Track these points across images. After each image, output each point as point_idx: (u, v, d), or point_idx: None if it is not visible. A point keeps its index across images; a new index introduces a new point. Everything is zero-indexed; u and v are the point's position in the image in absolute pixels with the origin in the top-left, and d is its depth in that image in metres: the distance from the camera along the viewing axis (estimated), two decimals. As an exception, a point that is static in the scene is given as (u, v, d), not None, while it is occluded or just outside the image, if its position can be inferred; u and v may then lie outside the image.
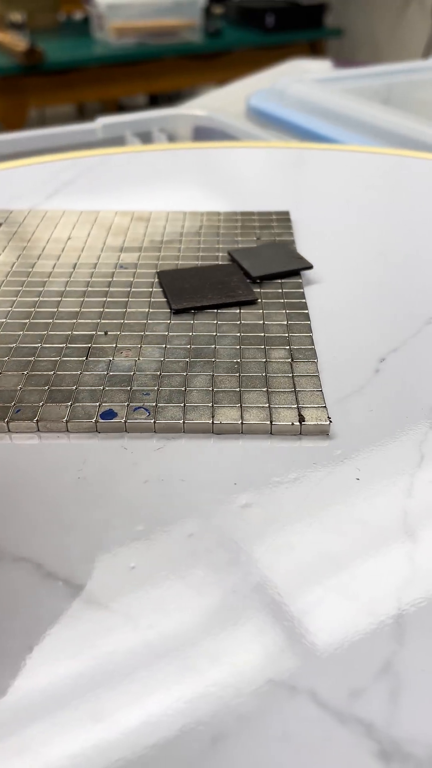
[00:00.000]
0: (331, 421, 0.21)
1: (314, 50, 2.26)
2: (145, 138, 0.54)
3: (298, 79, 0.58)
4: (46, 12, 2.56)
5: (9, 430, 0.20)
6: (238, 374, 0.22)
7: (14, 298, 0.26)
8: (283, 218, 0.33)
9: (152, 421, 0.20)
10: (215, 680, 0.13)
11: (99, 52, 2.17)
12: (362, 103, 0.52)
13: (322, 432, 0.20)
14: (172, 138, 0.55)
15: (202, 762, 0.12)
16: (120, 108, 3.30)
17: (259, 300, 0.26)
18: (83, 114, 3.92)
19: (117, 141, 0.53)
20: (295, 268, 0.27)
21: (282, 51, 2.25)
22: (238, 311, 0.26)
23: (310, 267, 0.28)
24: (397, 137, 0.48)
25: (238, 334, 0.24)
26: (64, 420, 0.20)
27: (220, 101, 1.00)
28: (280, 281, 0.27)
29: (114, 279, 0.28)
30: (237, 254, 0.28)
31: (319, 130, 0.53)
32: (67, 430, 0.20)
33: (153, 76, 2.31)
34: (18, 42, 1.97)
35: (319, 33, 2.21)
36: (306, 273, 0.29)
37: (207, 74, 2.35)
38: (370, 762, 0.12)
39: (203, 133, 0.56)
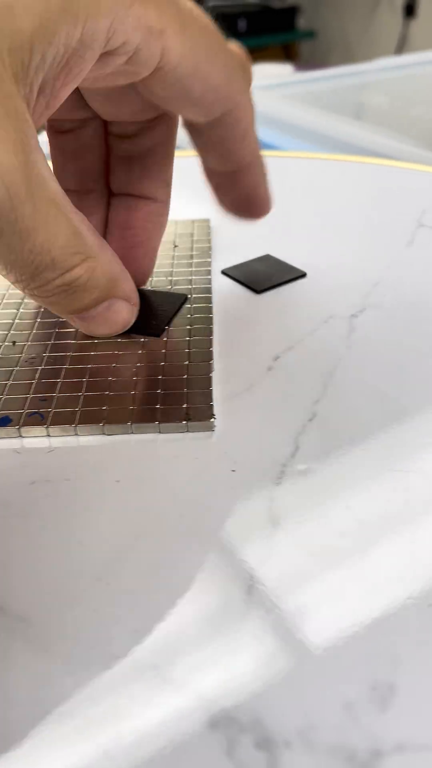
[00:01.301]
0: (215, 418, 0.21)
1: (288, 53, 2.28)
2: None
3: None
4: None
5: None
6: (135, 378, 0.23)
7: None
8: (203, 225, 0.34)
9: (46, 425, 0.21)
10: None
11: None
12: (297, 107, 0.53)
13: (208, 429, 0.21)
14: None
15: None
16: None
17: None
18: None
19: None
20: (293, 277, 0.29)
21: (256, 55, 2.26)
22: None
23: (303, 275, 0.29)
24: (331, 140, 0.49)
25: (143, 340, 0.25)
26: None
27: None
28: (190, 287, 0.28)
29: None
30: (232, 272, 0.30)
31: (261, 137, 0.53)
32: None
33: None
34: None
35: (292, 36, 2.23)
36: (214, 276, 0.30)
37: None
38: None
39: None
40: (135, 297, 0.23)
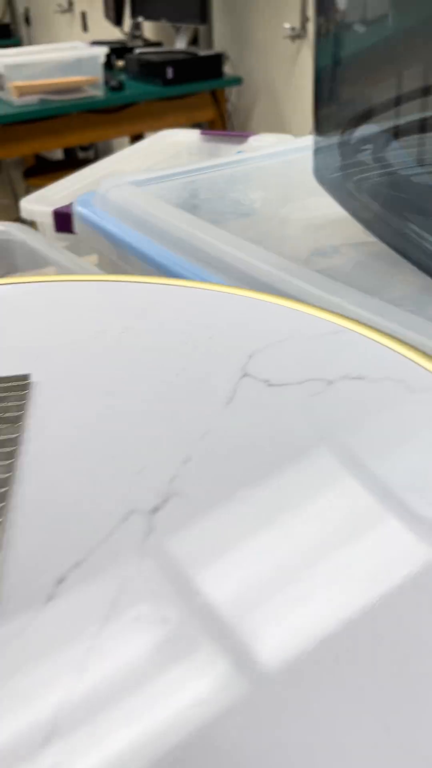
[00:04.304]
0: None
1: (215, 98, 2.31)
2: None
3: (116, 183, 0.58)
4: None
5: None
6: None
7: None
8: (20, 385, 0.32)
9: None
10: None
11: (2, 111, 2.18)
12: (166, 212, 0.52)
13: None
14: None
15: None
16: (39, 161, 3.29)
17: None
18: (0, 167, 3.90)
19: None
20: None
21: (184, 101, 2.29)
22: None
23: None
24: (201, 254, 0.48)
25: None
26: None
27: (86, 180, 1.00)
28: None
29: None
30: None
31: (133, 242, 0.52)
32: None
33: (60, 131, 2.33)
34: None
35: (219, 82, 2.26)
36: (27, 460, 0.28)
37: (114, 127, 2.37)
38: None
39: (6, 247, 0.55)
40: None
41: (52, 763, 0.18)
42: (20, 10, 3.62)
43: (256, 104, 2.40)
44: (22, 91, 2.18)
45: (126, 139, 3.12)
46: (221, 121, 2.37)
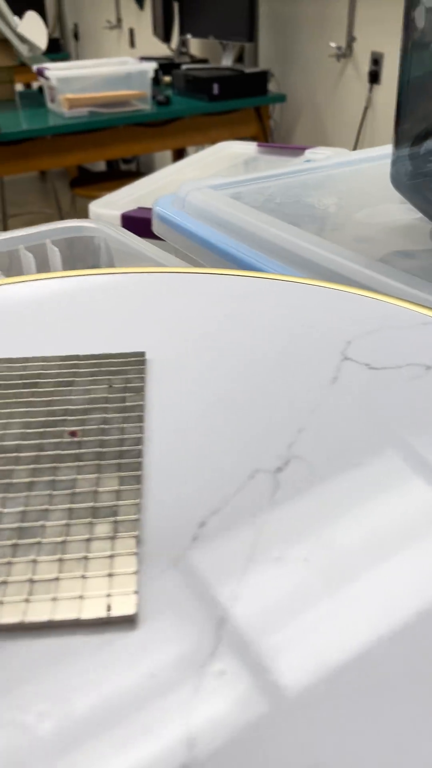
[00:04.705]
0: (137, 612, 0.22)
1: (259, 114, 2.35)
2: (39, 250, 0.56)
3: (197, 186, 0.61)
4: (1, 84, 2.63)
5: None
6: (58, 558, 0.23)
7: None
8: (138, 360, 0.35)
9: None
10: None
11: (53, 122, 2.24)
12: (248, 213, 0.55)
13: (128, 622, 0.21)
14: (64, 250, 0.57)
15: None
16: (82, 171, 3.37)
17: (97, 461, 0.28)
18: (45, 177, 4.00)
19: (12, 255, 0.55)
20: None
21: (229, 116, 2.34)
22: (74, 477, 0.27)
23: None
24: (283, 252, 0.51)
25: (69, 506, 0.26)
26: None
27: (148, 188, 1.04)
28: (120, 437, 0.29)
29: None
30: None
31: (215, 242, 0.55)
32: None
33: (107, 143, 2.39)
34: (-29, 118, 2.02)
35: (264, 99, 2.30)
36: (151, 425, 0.31)
37: (159, 140, 2.42)
38: None
39: (97, 244, 0.59)
40: None
41: (219, 670, 0.20)
42: (69, 25, 3.73)
43: (299, 121, 2.43)
44: (73, 104, 2.25)
45: (167, 153, 3.18)
46: (263, 136, 2.41)
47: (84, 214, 3.09)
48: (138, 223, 0.84)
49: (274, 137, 2.55)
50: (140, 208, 0.87)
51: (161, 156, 3.29)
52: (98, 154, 2.42)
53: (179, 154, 2.95)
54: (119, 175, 2.91)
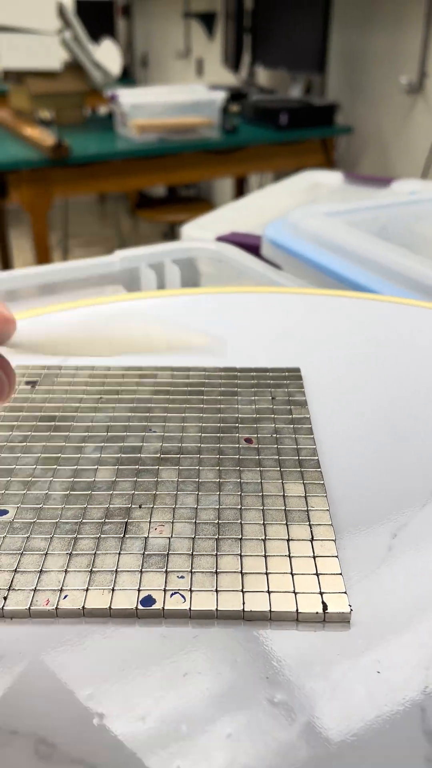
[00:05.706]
0: (351, 609, 0.22)
1: (325, 145, 2.38)
2: (158, 268, 0.58)
3: (310, 213, 0.62)
4: (72, 108, 2.73)
5: (57, 616, 0.23)
6: (263, 554, 0.24)
7: (54, 467, 0.29)
8: (295, 375, 0.36)
9: (188, 608, 0.22)
10: None
11: (122, 146, 2.30)
12: (370, 241, 0.56)
13: (344, 620, 0.22)
14: (185, 268, 0.59)
15: None
16: (142, 196, 3.45)
17: (278, 468, 0.29)
18: (103, 200, 4.10)
19: (133, 272, 0.57)
20: None
21: (294, 147, 2.37)
22: (259, 481, 0.28)
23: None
24: (408, 280, 0.51)
25: (261, 508, 0.27)
26: (107, 607, 0.22)
27: (236, 213, 1.06)
28: (295, 446, 0.30)
29: (144, 444, 0.31)
30: None
31: (333, 268, 0.56)
32: (110, 616, 0.23)
33: (171, 169, 2.44)
34: (46, 137, 2.10)
35: (330, 131, 2.33)
36: (318, 437, 0.32)
37: (223, 168, 2.47)
38: None
39: (213, 264, 0.60)
40: None
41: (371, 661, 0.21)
42: (139, 54, 3.85)
43: (364, 154, 2.46)
44: (143, 129, 2.31)
45: (228, 180, 3.23)
46: (328, 167, 2.44)
47: (145, 237, 3.15)
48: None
49: (338, 168, 2.57)
50: (233, 233, 0.89)
51: (221, 183, 3.35)
52: (163, 178, 2.48)
53: (241, 182, 3.00)
54: (179, 200, 2.97)
